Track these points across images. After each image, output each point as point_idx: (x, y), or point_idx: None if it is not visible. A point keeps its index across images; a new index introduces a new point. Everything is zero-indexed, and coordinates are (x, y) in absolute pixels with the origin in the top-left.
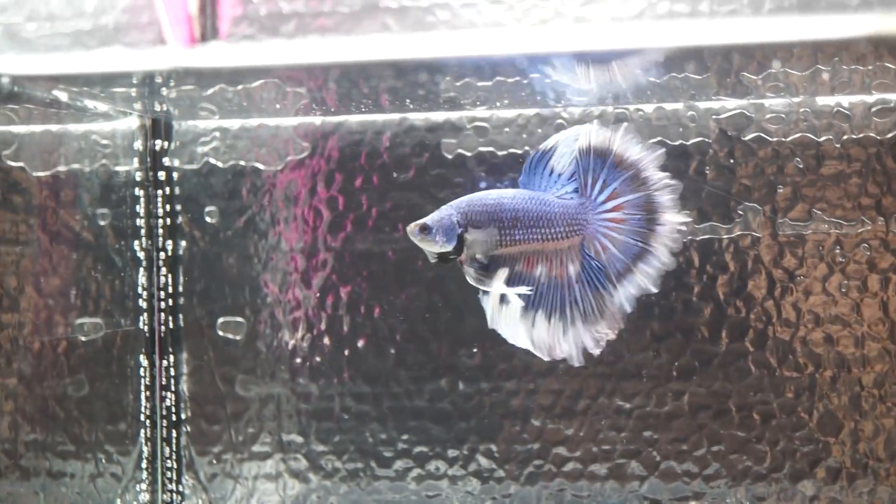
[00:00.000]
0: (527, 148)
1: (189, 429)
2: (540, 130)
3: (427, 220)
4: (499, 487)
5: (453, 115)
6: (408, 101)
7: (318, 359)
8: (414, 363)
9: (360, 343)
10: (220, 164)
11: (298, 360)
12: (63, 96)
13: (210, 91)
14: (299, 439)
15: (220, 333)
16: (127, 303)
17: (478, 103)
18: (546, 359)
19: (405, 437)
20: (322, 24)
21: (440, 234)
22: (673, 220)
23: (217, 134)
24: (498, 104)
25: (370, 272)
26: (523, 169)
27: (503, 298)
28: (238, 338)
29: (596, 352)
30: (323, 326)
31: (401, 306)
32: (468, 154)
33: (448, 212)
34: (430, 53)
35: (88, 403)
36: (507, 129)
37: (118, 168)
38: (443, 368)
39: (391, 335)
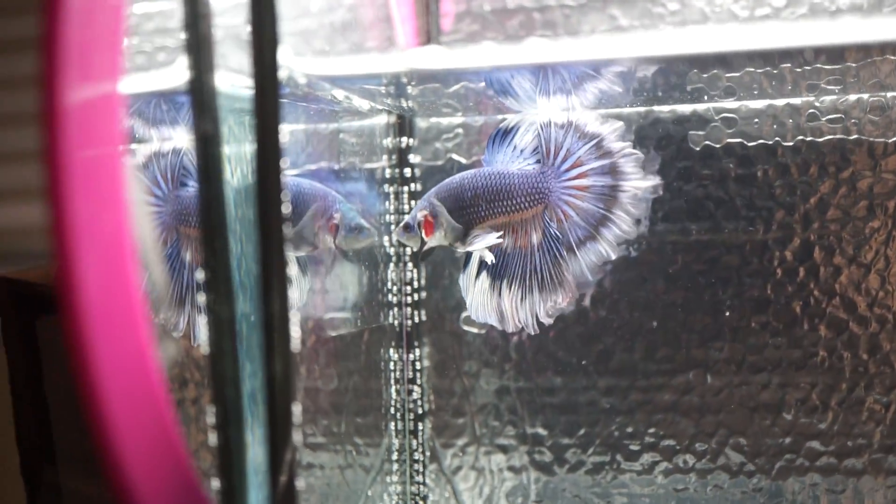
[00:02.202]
0: (777, 139)
1: (433, 421)
2: (791, 120)
3: (408, 218)
4: (749, 482)
5: (700, 107)
6: (655, 93)
7: (561, 353)
8: (662, 357)
9: (608, 337)
10: (463, 161)
11: (543, 355)
12: (340, 94)
13: (452, 89)
14: (543, 432)
15: (465, 327)
16: (380, 297)
17: (725, 95)
18: (509, 330)
19: (652, 430)
20: (548, 19)
21: (415, 228)
22: (639, 185)
23: (460, 130)
24: (746, 95)
25: (615, 266)
26: (486, 147)
27: (478, 273)
28: (481, 332)
29: (548, 321)
30: (568, 320)
31: (647, 300)
32: (716, 146)
33: (423, 204)
34: (658, 51)
35: (340, 396)
36: (756, 120)
37: (369, 165)
38: (691, 362)
39: (639, 329)
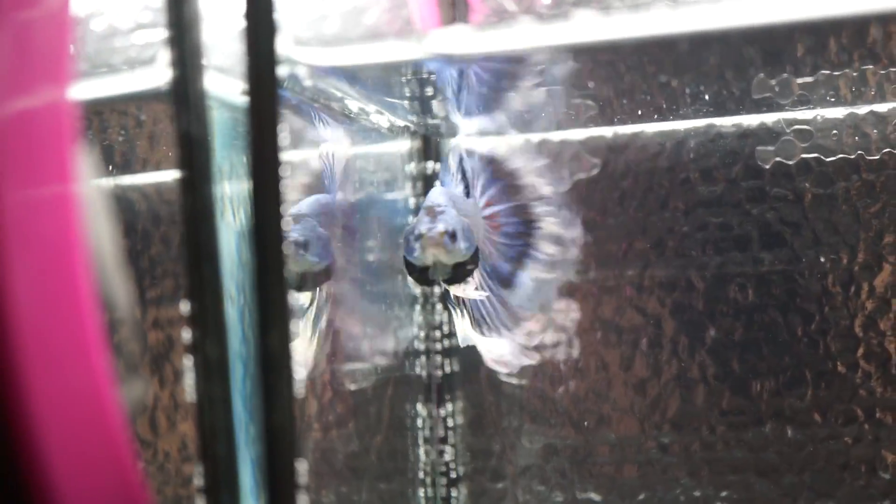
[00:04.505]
0: (860, 153)
1: (469, 487)
2: (876, 131)
3: (446, 226)
4: None
5: (769, 119)
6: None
7: (615, 401)
8: (730, 406)
9: (665, 383)
10: None
11: (592, 406)
12: (354, 106)
13: None
14: (596, 497)
15: (504, 377)
16: (405, 344)
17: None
18: (504, 371)
19: (724, 493)
20: None
21: (464, 238)
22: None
23: None
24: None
25: (674, 302)
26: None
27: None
28: (524, 382)
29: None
30: (618, 366)
31: (712, 340)
32: (789, 163)
33: (448, 209)
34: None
35: (360, 459)
36: (834, 132)
37: (390, 195)
38: (766, 412)
39: (702, 374)
